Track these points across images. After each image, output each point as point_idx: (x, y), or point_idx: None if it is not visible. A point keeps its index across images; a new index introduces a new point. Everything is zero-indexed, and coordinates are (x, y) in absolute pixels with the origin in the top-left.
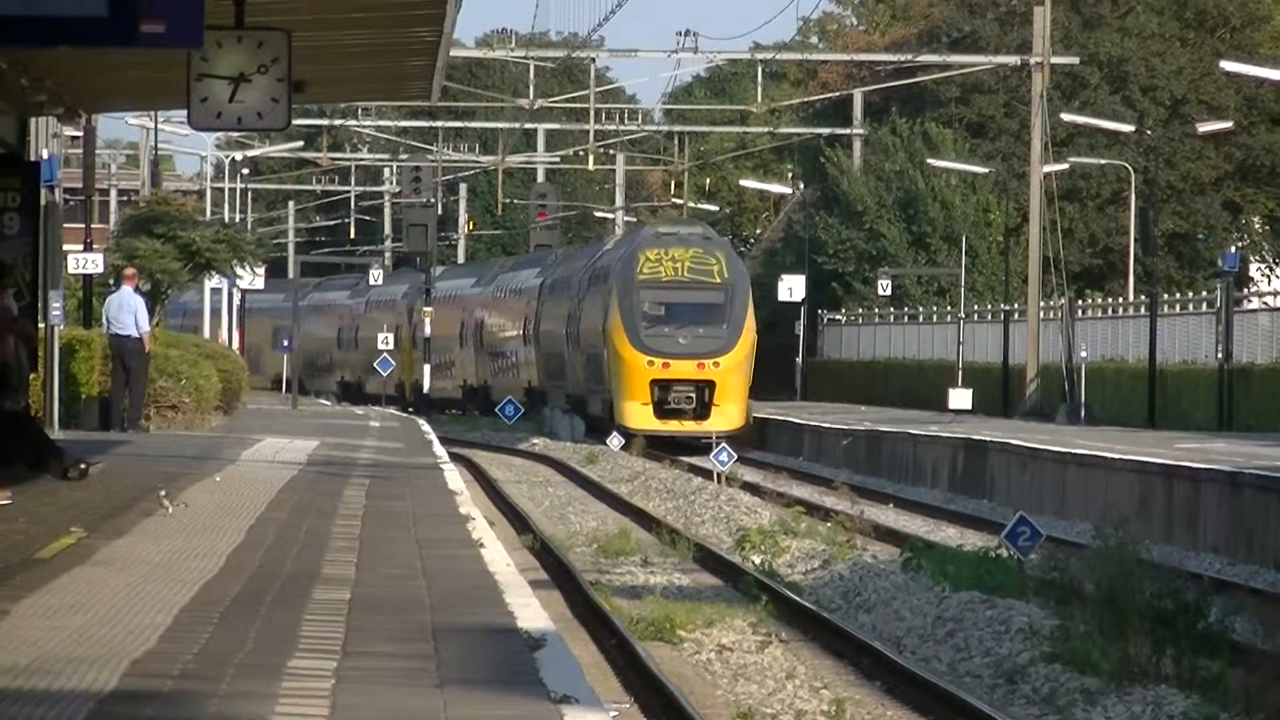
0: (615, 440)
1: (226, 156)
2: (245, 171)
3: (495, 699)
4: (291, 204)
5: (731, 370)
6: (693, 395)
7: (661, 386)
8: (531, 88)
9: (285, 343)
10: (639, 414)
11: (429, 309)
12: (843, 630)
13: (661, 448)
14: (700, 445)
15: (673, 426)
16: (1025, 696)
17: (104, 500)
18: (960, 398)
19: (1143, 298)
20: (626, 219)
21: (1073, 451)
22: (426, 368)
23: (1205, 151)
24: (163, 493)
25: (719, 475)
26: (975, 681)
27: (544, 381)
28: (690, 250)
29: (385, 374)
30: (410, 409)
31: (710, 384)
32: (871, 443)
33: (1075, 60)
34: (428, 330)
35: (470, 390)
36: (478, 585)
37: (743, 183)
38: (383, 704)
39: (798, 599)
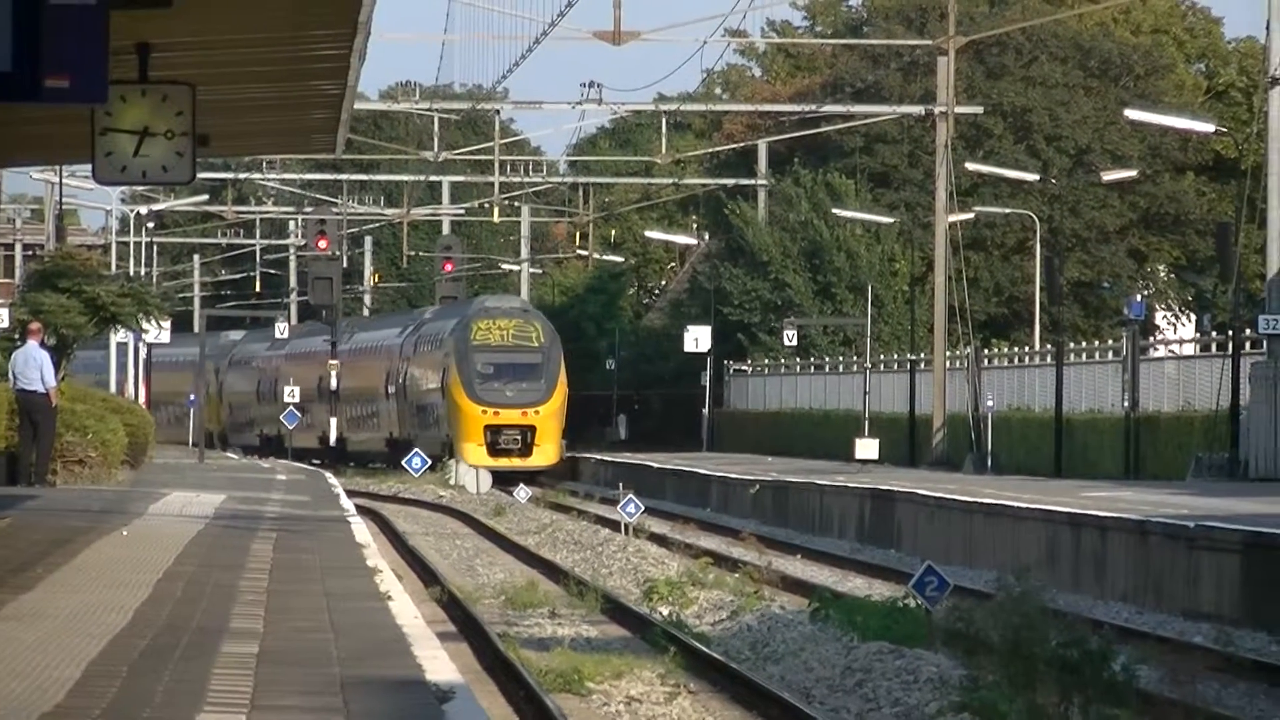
0: (522, 492)
1: (131, 210)
2: (150, 225)
3: None
4: (197, 257)
5: (549, 417)
6: (518, 437)
7: (493, 430)
8: (436, 140)
9: (191, 397)
10: (475, 453)
11: (334, 362)
12: (751, 681)
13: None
14: (520, 478)
15: (502, 463)
16: None
17: (11, 555)
18: (867, 448)
19: (1049, 346)
20: (532, 270)
21: (980, 501)
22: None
23: (1110, 200)
24: None
25: (626, 526)
26: None
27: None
28: (513, 320)
29: (292, 426)
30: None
31: (532, 428)
32: (778, 493)
33: (979, 110)
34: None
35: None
36: (386, 638)
37: (648, 234)
38: None
39: (706, 650)
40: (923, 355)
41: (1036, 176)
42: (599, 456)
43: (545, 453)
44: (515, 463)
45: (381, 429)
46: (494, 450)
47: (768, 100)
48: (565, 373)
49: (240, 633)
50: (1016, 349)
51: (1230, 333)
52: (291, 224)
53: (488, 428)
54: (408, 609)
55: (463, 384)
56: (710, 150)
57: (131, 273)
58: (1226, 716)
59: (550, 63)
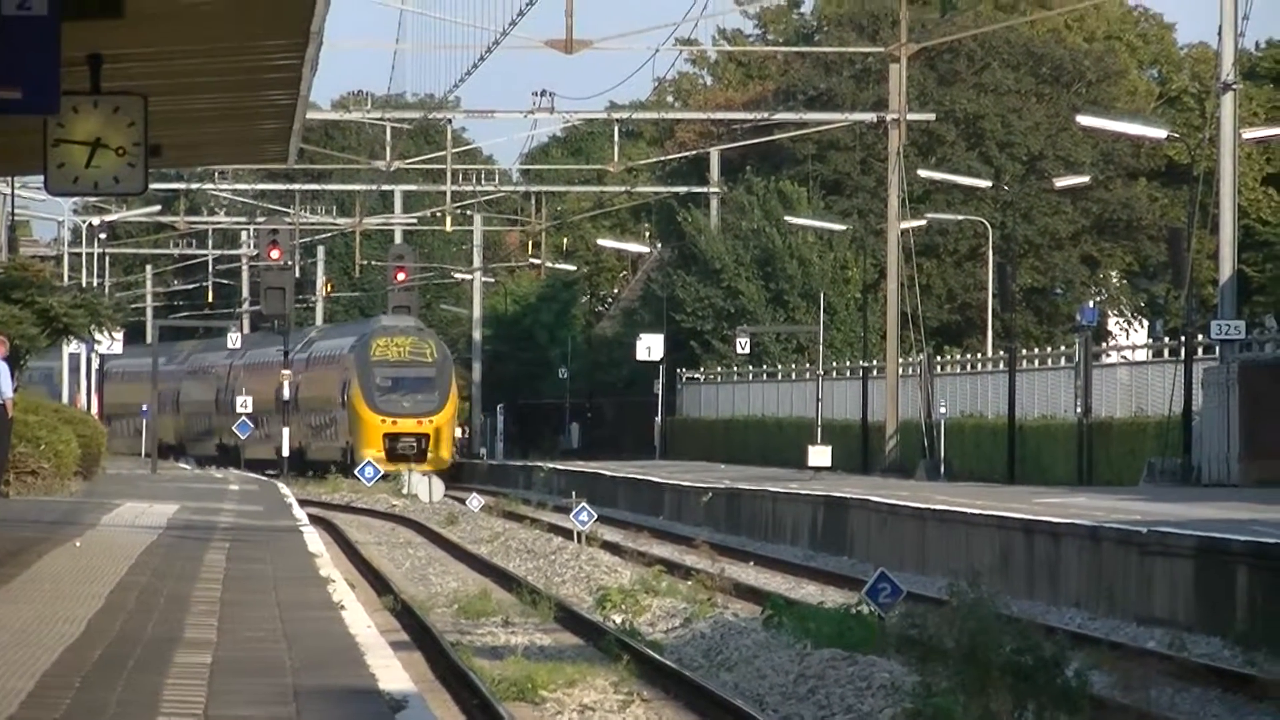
0: (474, 501)
1: (84, 221)
2: (103, 236)
3: None
4: (149, 268)
5: (442, 425)
6: (414, 444)
7: (391, 438)
8: (388, 149)
9: (144, 408)
10: (374, 458)
11: (287, 372)
12: (705, 688)
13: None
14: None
15: (400, 467)
16: None
17: None
18: (820, 455)
19: (1001, 353)
20: (484, 279)
21: (932, 508)
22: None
23: (1062, 206)
24: None
25: (579, 535)
26: None
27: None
28: (409, 338)
29: (244, 437)
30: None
31: (427, 435)
32: (731, 501)
33: (931, 117)
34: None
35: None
36: (339, 647)
37: (600, 242)
38: None
39: (659, 658)
40: (875, 362)
41: (989, 183)
42: (551, 465)
43: (439, 458)
44: (412, 467)
45: (274, 439)
46: (392, 456)
47: (720, 108)
48: (456, 386)
49: (194, 643)
50: (969, 355)
51: (1183, 338)
52: (244, 234)
53: (386, 435)
54: (361, 618)
55: (364, 396)
56: (662, 158)
57: (84, 284)
58: None
59: (502, 72)
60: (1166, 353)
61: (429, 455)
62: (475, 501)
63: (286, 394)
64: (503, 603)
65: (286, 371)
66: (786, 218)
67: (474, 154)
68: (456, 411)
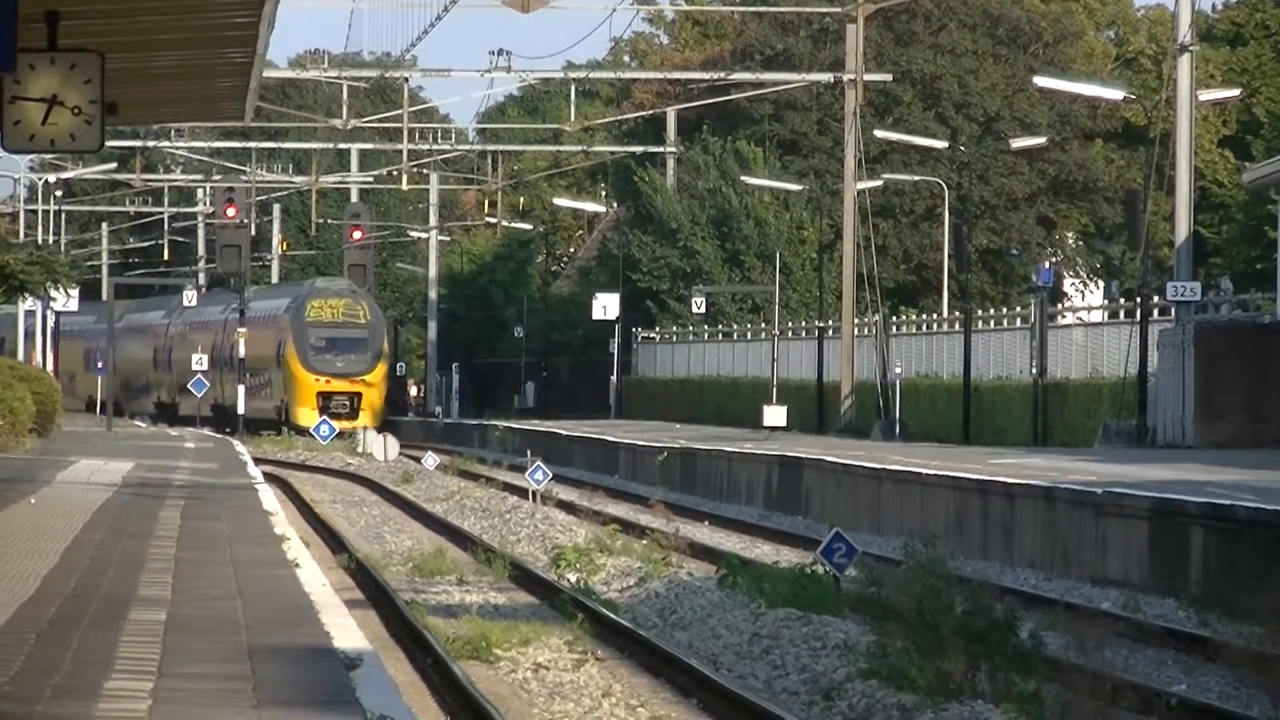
0: (430, 460)
1: (40, 178)
2: (59, 193)
3: (313, 719)
4: (105, 225)
5: (374, 385)
6: (346, 402)
7: (324, 396)
8: (345, 107)
9: (99, 364)
10: (308, 415)
11: (243, 330)
12: (659, 648)
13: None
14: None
15: (333, 424)
16: (842, 713)
17: None
18: (775, 415)
19: (957, 314)
20: (440, 238)
21: (888, 468)
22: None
23: (1018, 167)
24: None
25: (534, 494)
26: (792, 698)
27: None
28: (343, 300)
29: (200, 394)
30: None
31: (359, 394)
32: (686, 460)
33: (888, 77)
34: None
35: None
36: (294, 605)
37: (557, 201)
38: None
39: (614, 617)
40: (831, 322)
41: (945, 144)
42: (506, 424)
43: (370, 415)
44: (344, 424)
45: (208, 396)
46: (325, 413)
47: (677, 68)
48: (389, 346)
49: (148, 600)
50: (925, 316)
51: (1138, 300)
52: (200, 192)
53: (320, 394)
54: (315, 577)
55: (298, 355)
56: (619, 118)
57: (40, 241)
58: (1134, 683)
59: (459, 31)
60: (1122, 314)
61: (360, 413)
62: (430, 460)
63: (242, 351)
64: (458, 561)
65: (242, 330)
66: (743, 178)
67: (430, 113)
68: (389, 371)
